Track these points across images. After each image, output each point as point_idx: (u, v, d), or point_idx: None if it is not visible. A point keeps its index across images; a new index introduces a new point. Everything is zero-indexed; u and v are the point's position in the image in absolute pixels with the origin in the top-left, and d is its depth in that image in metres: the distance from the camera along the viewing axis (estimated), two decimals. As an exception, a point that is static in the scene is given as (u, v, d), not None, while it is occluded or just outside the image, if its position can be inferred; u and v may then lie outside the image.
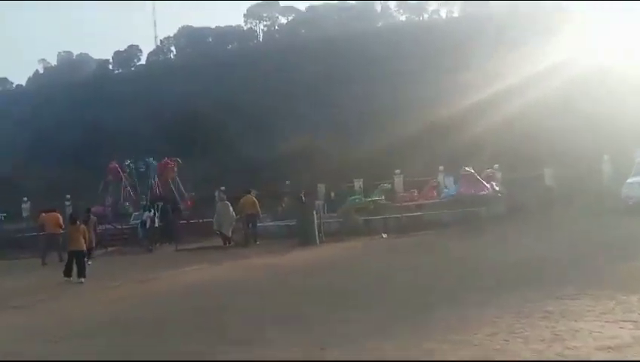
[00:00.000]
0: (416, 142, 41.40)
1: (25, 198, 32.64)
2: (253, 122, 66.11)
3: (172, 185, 28.69)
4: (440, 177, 30.56)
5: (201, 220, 23.11)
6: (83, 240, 13.16)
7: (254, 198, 19.30)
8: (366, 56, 78.36)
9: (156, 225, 20.61)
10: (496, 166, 27.52)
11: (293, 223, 20.04)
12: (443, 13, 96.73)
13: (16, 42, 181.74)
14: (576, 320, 5.83)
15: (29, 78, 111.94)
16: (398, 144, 45.19)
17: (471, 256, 11.58)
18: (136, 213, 24.77)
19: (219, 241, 18.90)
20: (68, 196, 28.99)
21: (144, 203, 25.22)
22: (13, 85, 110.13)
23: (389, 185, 26.99)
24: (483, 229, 15.98)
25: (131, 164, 29.36)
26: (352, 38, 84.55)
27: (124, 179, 28.59)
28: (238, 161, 51.06)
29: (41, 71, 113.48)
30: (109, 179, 29.62)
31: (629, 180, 17.44)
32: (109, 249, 19.85)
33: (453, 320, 6.34)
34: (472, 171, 21.95)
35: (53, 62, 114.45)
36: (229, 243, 18.65)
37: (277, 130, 57.63)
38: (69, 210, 23.66)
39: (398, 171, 31.57)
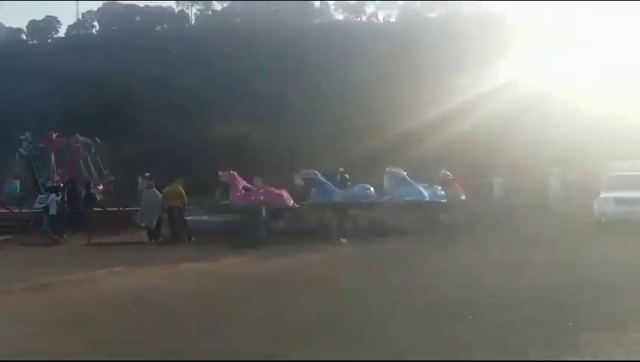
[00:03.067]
0: (359, 139, 39.50)
1: None
2: (180, 108, 62.01)
3: (83, 166, 24.59)
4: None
5: (120, 208, 19.64)
6: None
7: (181, 188, 16.17)
8: (299, 49, 76.01)
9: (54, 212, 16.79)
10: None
11: (232, 219, 17.09)
12: (380, 17, 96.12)
13: None
14: None
15: None
16: (339, 139, 43.23)
17: (469, 272, 9.25)
18: (42, 196, 20.75)
19: (140, 235, 15.60)
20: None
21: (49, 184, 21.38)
22: None
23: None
24: (449, 239, 13.89)
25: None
26: (287, 31, 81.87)
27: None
28: (163, 148, 46.89)
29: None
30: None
31: (602, 195, 15.85)
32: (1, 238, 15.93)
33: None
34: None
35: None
36: (157, 238, 15.41)
37: (205, 119, 53.78)
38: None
39: (342, 170, 29.34)
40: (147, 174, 26.25)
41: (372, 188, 17.76)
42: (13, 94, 66.34)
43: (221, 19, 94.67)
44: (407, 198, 16.65)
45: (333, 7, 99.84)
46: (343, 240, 14.29)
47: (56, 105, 60.76)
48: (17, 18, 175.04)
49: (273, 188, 17.46)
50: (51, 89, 69.03)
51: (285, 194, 17.14)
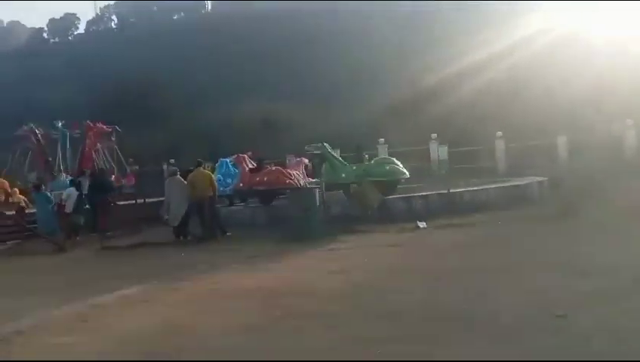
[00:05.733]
0: (399, 111, 35.59)
1: None
2: (201, 95, 58.84)
3: (101, 157, 21.45)
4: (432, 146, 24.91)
5: (144, 200, 16.41)
6: None
7: (210, 173, 12.70)
8: (331, 24, 71.68)
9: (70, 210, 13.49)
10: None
11: (275, 206, 13.67)
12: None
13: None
14: None
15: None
16: (379, 113, 39.38)
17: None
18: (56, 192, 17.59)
19: (167, 232, 12.22)
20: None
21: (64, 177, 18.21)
22: None
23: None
24: (547, 217, 10.23)
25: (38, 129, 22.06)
26: (316, 5, 77.37)
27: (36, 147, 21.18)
28: (192, 133, 43.67)
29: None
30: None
31: None
32: (2, 246, 12.71)
33: None
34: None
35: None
36: (185, 236, 12.00)
37: (235, 100, 50.19)
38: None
39: (382, 140, 25.71)
40: (172, 161, 23.01)
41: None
42: (38, 92, 64.16)
43: (237, 4, 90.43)
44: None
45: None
46: (422, 224, 10.66)
47: (80, 100, 58.03)
48: (38, 18, 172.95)
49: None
50: (74, 84, 66.68)
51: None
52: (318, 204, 10.80)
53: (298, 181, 14.12)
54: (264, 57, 65.90)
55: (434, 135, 24.15)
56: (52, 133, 22.31)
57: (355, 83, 51.28)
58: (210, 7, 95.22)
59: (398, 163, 13.67)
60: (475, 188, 13.08)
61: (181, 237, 11.90)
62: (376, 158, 14.49)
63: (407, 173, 13.57)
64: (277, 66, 62.70)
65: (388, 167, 13.51)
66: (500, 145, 23.33)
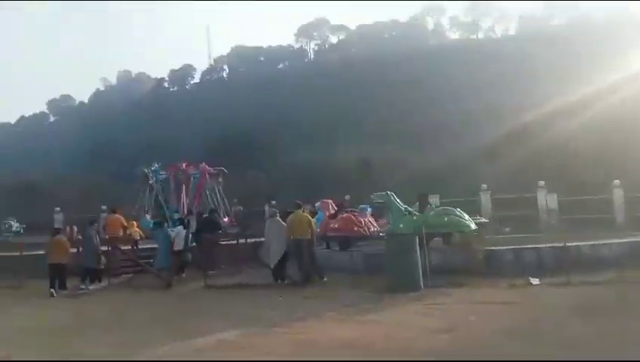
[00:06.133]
0: (501, 153, 34.00)
1: (57, 208, 27.37)
2: (306, 137, 60.53)
3: (209, 197, 22.32)
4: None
5: (246, 240, 16.61)
6: (64, 254, 12.32)
7: (309, 216, 12.56)
8: (414, 75, 71.61)
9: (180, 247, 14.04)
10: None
11: (374, 252, 13.20)
12: (498, 31, 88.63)
13: (80, 62, 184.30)
14: None
15: (91, 95, 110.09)
16: (471, 157, 37.98)
17: None
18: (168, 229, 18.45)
19: (266, 273, 12.18)
20: (104, 207, 23.15)
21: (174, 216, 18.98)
22: (76, 102, 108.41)
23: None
24: None
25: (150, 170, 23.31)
26: (404, 56, 77.98)
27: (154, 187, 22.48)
28: (291, 176, 44.72)
29: (102, 88, 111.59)
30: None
31: None
32: (116, 279, 13.40)
33: None
34: None
35: (114, 80, 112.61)
36: (282, 279, 11.89)
37: (332, 144, 51.03)
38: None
39: (484, 186, 24.34)
40: (273, 202, 23.41)
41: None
42: (160, 135, 69.68)
43: (337, 52, 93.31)
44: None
45: (447, 27, 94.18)
46: (534, 281, 9.65)
47: (194, 143, 62.13)
48: (160, 69, 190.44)
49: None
50: (190, 128, 71.63)
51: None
52: (417, 251, 10.19)
53: (367, 229, 14.00)
54: (362, 101, 66.85)
55: (541, 182, 22.48)
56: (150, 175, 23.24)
57: (455, 125, 50.16)
58: (312, 56, 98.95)
59: (461, 214, 12.80)
60: (597, 243, 11.71)
61: (279, 280, 11.79)
62: (437, 209, 13.51)
63: (473, 225, 12.68)
64: (376, 109, 63.22)
65: (446, 218, 12.66)
66: (618, 195, 21.13)
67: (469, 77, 64.14)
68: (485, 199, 23.25)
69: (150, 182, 22.80)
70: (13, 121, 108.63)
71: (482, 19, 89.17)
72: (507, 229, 19.59)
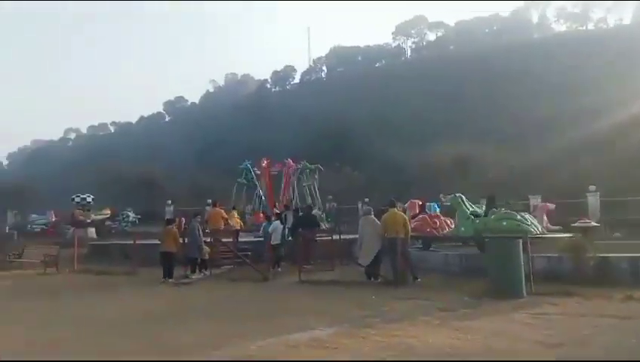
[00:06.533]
0: (606, 151, 31.11)
1: (169, 201, 29.40)
2: (401, 135, 59.57)
3: (306, 193, 22.60)
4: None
5: (340, 237, 16.51)
6: (173, 243, 13.08)
7: (403, 215, 12.09)
8: (521, 69, 67.41)
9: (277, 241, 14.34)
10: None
11: (473, 253, 12.57)
12: (611, 22, 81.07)
13: (193, 65, 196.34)
14: None
15: (201, 97, 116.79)
16: (577, 156, 35.06)
17: None
18: (265, 224, 18.90)
19: (358, 272, 11.95)
20: (209, 201, 24.44)
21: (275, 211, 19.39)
22: (188, 103, 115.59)
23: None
24: None
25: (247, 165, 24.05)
26: (505, 51, 73.89)
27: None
28: (386, 174, 44.16)
29: (211, 90, 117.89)
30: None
31: None
32: (217, 270, 13.90)
33: None
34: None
35: (221, 82, 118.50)
36: (375, 278, 11.61)
37: (427, 142, 49.66)
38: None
39: (592, 188, 22.34)
40: (366, 199, 23.18)
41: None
42: (260, 134, 72.18)
43: (436, 48, 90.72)
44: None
45: (553, 19, 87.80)
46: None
47: (294, 141, 63.63)
48: (263, 70, 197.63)
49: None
50: (291, 127, 73.38)
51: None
52: (520, 255, 9.41)
53: (441, 229, 14.01)
54: (459, 97, 64.40)
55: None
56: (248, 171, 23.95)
57: (560, 121, 46.67)
58: (409, 54, 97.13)
59: (523, 218, 12.27)
60: None
61: (372, 278, 11.53)
62: (498, 213, 12.73)
63: (535, 229, 12.13)
64: (474, 106, 60.63)
65: (505, 223, 12.15)
66: None
67: (576, 70, 59.34)
68: (593, 201, 21.37)
69: (248, 178, 23.58)
70: (134, 120, 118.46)
71: (592, 9, 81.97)
72: (618, 234, 17.81)
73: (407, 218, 12.12)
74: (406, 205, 16.23)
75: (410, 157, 45.81)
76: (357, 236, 12.53)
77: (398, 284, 10.83)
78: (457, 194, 13.62)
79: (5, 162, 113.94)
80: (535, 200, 21.82)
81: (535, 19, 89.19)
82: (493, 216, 12.60)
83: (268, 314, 8.55)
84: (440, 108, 63.74)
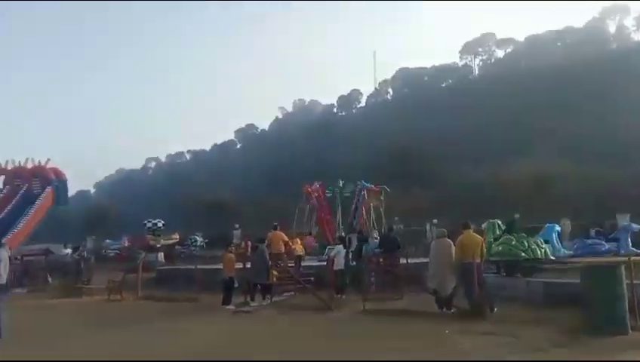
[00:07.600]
0: None
1: (236, 225, 29.31)
2: (470, 154, 57.19)
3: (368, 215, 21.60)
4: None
5: (407, 260, 15.29)
6: (230, 268, 12.70)
7: (478, 236, 10.72)
8: (592, 83, 62.97)
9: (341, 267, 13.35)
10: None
11: (555, 282, 11.00)
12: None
13: (263, 93, 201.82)
14: None
15: (271, 123, 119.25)
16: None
17: None
18: (329, 247, 18.06)
19: (427, 300, 10.71)
20: (275, 224, 24.15)
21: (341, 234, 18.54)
22: (258, 130, 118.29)
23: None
24: None
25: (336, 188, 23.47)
26: (580, 64, 69.48)
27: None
28: (455, 194, 42.17)
29: (280, 116, 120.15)
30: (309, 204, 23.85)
31: None
32: (278, 297, 13.12)
33: None
34: None
35: (290, 108, 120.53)
36: (448, 308, 10.32)
37: (499, 162, 47.05)
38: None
39: (517, 216, 19.46)
40: (435, 221, 21.77)
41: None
42: (327, 158, 72.14)
43: (505, 65, 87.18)
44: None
45: (633, 28, 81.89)
46: None
47: (361, 164, 62.82)
48: (330, 95, 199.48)
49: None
50: (356, 150, 72.83)
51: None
52: (624, 284, 7.89)
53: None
54: (531, 115, 61.03)
55: None
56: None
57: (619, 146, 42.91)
58: (477, 72, 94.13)
59: (520, 243, 12.23)
60: None
61: (444, 309, 10.25)
62: (503, 237, 12.64)
63: (532, 254, 12.07)
64: (548, 123, 57.13)
65: (500, 248, 12.32)
66: None
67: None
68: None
69: (311, 201, 22.95)
70: (208, 148, 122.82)
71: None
72: None
73: (481, 239, 10.79)
74: (483, 225, 14.55)
75: (481, 177, 43.56)
76: (426, 260, 11.33)
77: (476, 316, 9.50)
78: (491, 221, 13.52)
79: (92, 190, 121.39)
80: (623, 220, 19.54)
81: (612, 29, 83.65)
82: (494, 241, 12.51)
83: (326, 349, 7.58)
84: (508, 125, 60.76)
